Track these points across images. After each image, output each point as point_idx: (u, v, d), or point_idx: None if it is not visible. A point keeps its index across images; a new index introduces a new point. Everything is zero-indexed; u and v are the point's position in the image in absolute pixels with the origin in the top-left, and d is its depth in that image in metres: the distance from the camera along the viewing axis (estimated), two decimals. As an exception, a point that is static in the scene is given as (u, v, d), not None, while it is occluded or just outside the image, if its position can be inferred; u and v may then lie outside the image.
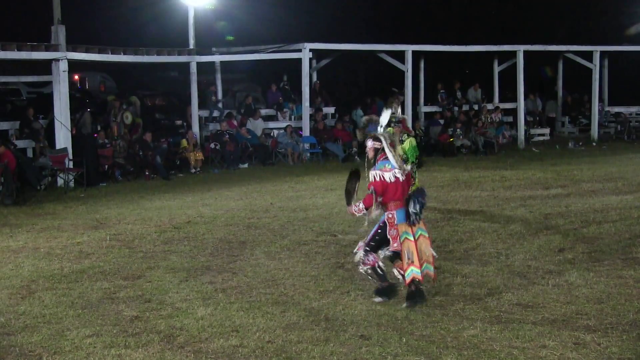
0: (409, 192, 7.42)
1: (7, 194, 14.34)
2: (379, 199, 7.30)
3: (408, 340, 6.39)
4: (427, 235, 7.39)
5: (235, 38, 27.35)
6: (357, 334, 6.57)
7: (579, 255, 9.20)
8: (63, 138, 16.92)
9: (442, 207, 12.77)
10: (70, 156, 16.85)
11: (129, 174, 17.97)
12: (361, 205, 7.34)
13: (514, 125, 25.28)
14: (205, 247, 10.13)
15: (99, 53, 18.30)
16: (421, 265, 7.27)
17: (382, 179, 7.22)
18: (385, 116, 7.33)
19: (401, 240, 7.25)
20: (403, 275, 7.35)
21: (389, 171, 7.24)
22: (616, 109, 28.13)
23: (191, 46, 20.51)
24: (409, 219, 7.22)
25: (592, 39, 27.54)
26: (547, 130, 26.88)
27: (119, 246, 10.27)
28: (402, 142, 11.73)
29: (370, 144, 7.36)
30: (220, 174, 18.71)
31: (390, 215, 7.30)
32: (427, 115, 25.25)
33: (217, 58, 22.40)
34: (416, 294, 7.33)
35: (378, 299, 7.48)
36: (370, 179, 7.28)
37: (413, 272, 7.24)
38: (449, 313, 7.09)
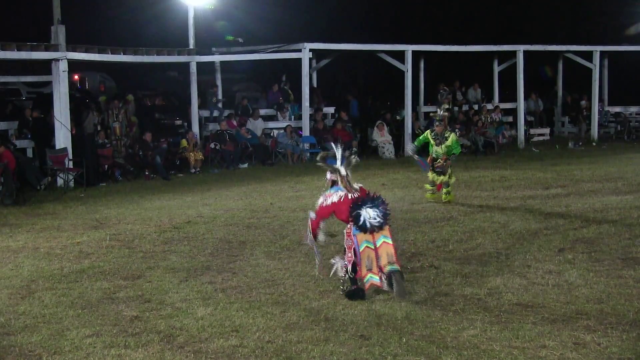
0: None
1: (7, 194, 14.33)
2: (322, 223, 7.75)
3: (408, 340, 6.39)
4: (390, 242, 7.53)
5: (235, 38, 27.34)
6: (357, 334, 6.57)
7: (579, 255, 9.20)
8: (63, 138, 16.91)
9: (442, 207, 12.77)
10: (70, 156, 16.85)
11: (128, 174, 17.97)
12: (308, 234, 7.86)
13: (514, 125, 25.30)
14: (205, 247, 10.13)
15: (98, 53, 18.28)
16: (384, 270, 7.46)
17: (330, 203, 7.58)
18: (339, 152, 7.67)
19: (361, 249, 7.44)
20: (347, 272, 7.58)
21: (336, 194, 7.59)
22: (616, 109, 28.14)
23: (191, 46, 20.50)
24: (362, 229, 7.39)
25: (592, 39, 27.54)
26: (547, 130, 26.90)
27: (119, 246, 10.27)
28: (446, 139, 13.18)
29: (328, 176, 7.78)
30: (220, 174, 18.71)
31: (348, 226, 7.55)
32: (427, 115, 25.25)
33: (217, 58, 22.40)
34: (359, 292, 7.51)
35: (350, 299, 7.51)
36: (318, 203, 7.70)
37: (372, 279, 7.48)
38: (449, 313, 7.09)
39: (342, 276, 7.69)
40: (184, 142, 19.38)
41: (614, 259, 9.01)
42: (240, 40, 23.67)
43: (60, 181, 16.67)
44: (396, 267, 7.50)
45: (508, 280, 8.17)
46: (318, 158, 7.87)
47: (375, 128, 22.11)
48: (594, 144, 24.57)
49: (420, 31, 30.25)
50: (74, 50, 17.32)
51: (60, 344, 6.48)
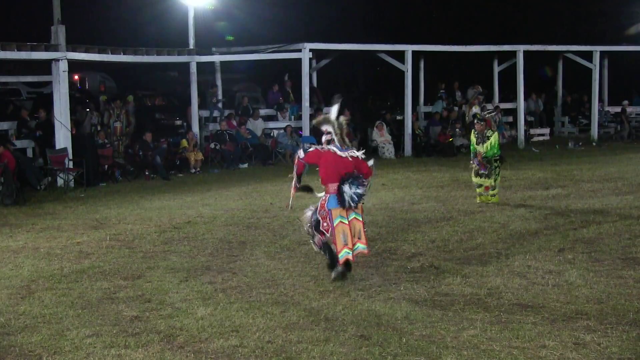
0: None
1: (7, 194, 14.32)
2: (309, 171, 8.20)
3: (408, 340, 6.39)
4: (360, 219, 7.97)
5: (235, 38, 27.36)
6: (357, 334, 6.57)
7: (579, 255, 9.20)
8: (63, 138, 16.91)
9: (442, 207, 12.77)
10: (70, 156, 16.85)
11: (128, 174, 17.97)
12: (294, 173, 8.23)
13: (514, 125, 25.28)
14: (205, 247, 10.13)
15: (98, 53, 18.29)
16: (353, 245, 7.88)
17: (318, 149, 8.07)
18: (334, 110, 8.08)
19: (335, 223, 7.84)
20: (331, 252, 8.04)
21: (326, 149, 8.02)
22: (616, 109, 28.14)
23: (191, 46, 20.50)
24: (342, 204, 7.78)
25: (592, 39, 27.54)
26: (547, 130, 26.89)
27: (119, 246, 10.27)
28: (487, 138, 12.97)
29: (324, 138, 8.14)
30: (220, 174, 18.71)
31: (324, 198, 7.93)
32: (427, 115, 25.27)
33: (217, 58, 22.39)
34: (345, 271, 7.94)
35: (333, 275, 7.94)
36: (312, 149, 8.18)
37: (346, 253, 7.85)
38: (449, 313, 7.09)
39: (319, 250, 8.19)
40: (184, 142, 19.38)
41: (614, 259, 9.02)
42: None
43: (60, 181, 16.67)
44: (364, 246, 7.93)
45: (508, 280, 8.18)
46: (314, 121, 8.36)
47: (375, 128, 22.11)
48: (594, 144, 24.57)
49: (420, 31, 30.26)
50: (74, 50, 17.32)
51: (60, 344, 6.48)
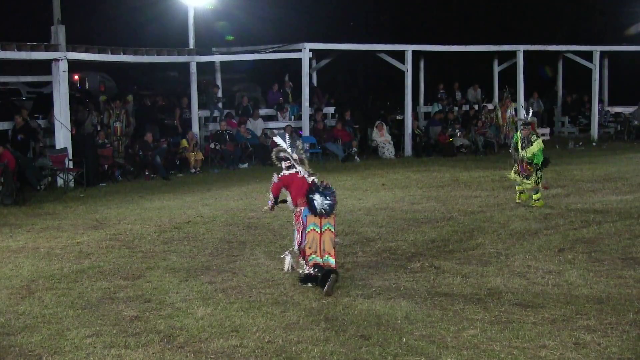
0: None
1: (7, 194, 14.32)
2: (285, 195, 8.36)
3: (408, 340, 6.39)
4: (333, 230, 8.11)
5: (235, 38, 27.35)
6: (357, 334, 6.57)
7: (579, 255, 9.21)
8: (63, 138, 16.91)
9: (442, 207, 12.76)
10: (70, 156, 16.85)
11: (128, 173, 17.96)
12: (270, 195, 8.48)
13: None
14: (205, 247, 10.14)
15: (98, 53, 18.27)
16: (322, 257, 7.99)
17: (288, 175, 8.27)
18: (287, 143, 8.46)
19: (307, 230, 8.02)
20: (306, 261, 8.08)
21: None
22: (616, 109, 28.13)
23: (191, 46, 20.50)
24: (313, 212, 7.97)
25: (592, 39, 27.54)
26: (547, 130, 26.88)
27: (119, 246, 10.27)
28: (531, 143, 12.57)
29: (283, 165, 8.39)
30: (220, 174, 18.71)
31: (298, 211, 8.10)
32: (427, 115, 25.27)
33: (217, 58, 22.38)
34: (320, 276, 7.87)
35: (325, 289, 7.77)
36: (281, 174, 8.37)
37: (315, 259, 7.96)
38: (449, 313, 7.09)
39: (297, 253, 8.25)
40: (184, 142, 19.38)
41: (614, 259, 9.02)
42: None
43: (60, 181, 16.67)
44: (333, 260, 8.01)
45: (508, 280, 8.18)
46: (272, 155, 8.60)
47: (375, 128, 22.12)
48: (594, 144, 24.56)
49: (420, 31, 30.23)
50: (74, 50, 17.31)
51: (60, 344, 6.48)
